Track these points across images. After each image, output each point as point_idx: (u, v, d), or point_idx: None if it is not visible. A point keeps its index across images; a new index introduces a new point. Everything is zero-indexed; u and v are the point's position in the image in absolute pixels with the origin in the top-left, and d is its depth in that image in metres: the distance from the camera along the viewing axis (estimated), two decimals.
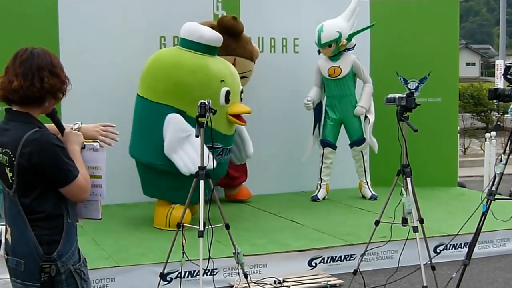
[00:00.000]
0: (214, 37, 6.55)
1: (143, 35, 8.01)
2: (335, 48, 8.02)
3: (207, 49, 6.51)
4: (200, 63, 6.47)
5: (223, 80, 6.44)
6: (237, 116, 6.56)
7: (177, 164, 6.29)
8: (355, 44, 8.17)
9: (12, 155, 2.60)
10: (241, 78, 7.87)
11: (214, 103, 6.10)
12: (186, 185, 6.17)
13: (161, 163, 6.43)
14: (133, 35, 7.93)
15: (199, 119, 4.93)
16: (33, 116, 2.66)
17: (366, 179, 8.41)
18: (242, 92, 6.76)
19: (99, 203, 2.85)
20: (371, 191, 8.34)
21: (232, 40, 7.65)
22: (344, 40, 7.97)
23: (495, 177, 5.01)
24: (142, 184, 6.91)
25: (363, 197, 8.39)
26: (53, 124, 2.80)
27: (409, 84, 9.13)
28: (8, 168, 2.62)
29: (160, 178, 6.59)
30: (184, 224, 4.96)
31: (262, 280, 5.57)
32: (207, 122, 4.92)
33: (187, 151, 6.27)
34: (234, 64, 7.72)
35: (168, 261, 5.05)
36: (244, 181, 8.29)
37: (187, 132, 6.27)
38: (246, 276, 5.14)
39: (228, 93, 6.42)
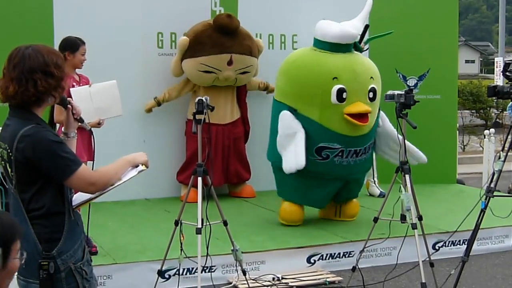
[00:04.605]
0: (337, 35, 6.33)
1: (140, 32, 7.99)
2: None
3: (333, 47, 6.36)
4: (314, 61, 6.39)
5: (335, 78, 6.23)
6: (356, 116, 6.21)
7: (283, 161, 6.32)
8: (367, 48, 8.08)
9: (9, 150, 2.62)
10: (242, 73, 7.88)
11: (326, 101, 6.22)
12: (312, 186, 6.46)
13: (278, 159, 6.49)
14: (130, 32, 7.90)
15: (196, 116, 4.91)
16: (33, 113, 2.67)
17: (374, 178, 8.41)
18: (372, 91, 6.33)
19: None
20: (379, 189, 8.34)
21: (228, 37, 7.65)
22: (363, 44, 7.83)
23: (493, 174, 5.01)
24: (276, 185, 6.93)
25: (371, 195, 8.37)
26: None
27: (408, 81, 9.11)
28: (8, 164, 2.64)
29: (288, 179, 6.52)
30: (182, 221, 4.94)
31: (261, 277, 5.56)
32: (204, 119, 4.88)
33: (291, 151, 6.26)
34: (230, 62, 7.71)
35: (166, 258, 5.04)
36: (248, 179, 8.29)
37: (292, 129, 6.28)
38: (244, 273, 5.14)
39: (340, 91, 6.19)
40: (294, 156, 6.20)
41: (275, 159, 6.62)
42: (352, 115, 6.20)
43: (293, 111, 6.38)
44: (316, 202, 6.75)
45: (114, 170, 2.74)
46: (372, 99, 6.34)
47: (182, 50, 7.75)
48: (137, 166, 2.82)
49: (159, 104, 8.01)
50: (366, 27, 6.64)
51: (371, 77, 6.43)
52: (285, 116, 6.39)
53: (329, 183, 6.51)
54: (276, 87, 6.80)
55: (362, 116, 6.23)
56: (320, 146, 6.31)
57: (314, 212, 7.26)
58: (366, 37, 7.20)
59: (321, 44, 6.44)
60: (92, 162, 3.18)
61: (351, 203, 6.96)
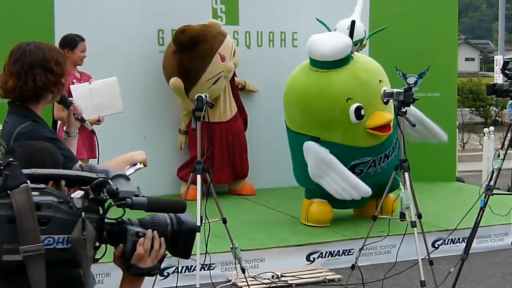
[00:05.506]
0: (336, 52, 6.13)
1: (140, 29, 7.98)
2: (358, 48, 7.84)
3: (334, 64, 6.19)
4: (323, 86, 6.23)
5: (349, 98, 6.14)
6: (379, 128, 6.22)
7: (327, 189, 6.30)
8: (365, 44, 8.08)
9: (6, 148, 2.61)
10: (233, 55, 7.85)
11: (347, 122, 6.16)
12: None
13: (316, 187, 6.46)
14: (130, 30, 7.89)
15: (196, 112, 4.91)
16: (31, 110, 2.68)
17: None
18: (383, 95, 6.03)
19: None
20: None
21: (201, 44, 7.54)
22: (365, 40, 7.82)
23: (493, 172, 5.01)
24: (305, 191, 6.88)
25: None
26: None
27: (408, 79, 9.11)
28: None
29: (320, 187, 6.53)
30: None
31: (260, 275, 5.56)
32: (204, 116, 4.88)
33: (334, 180, 6.24)
34: (222, 58, 7.67)
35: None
36: (246, 175, 8.29)
37: (325, 159, 6.24)
38: (243, 271, 5.13)
39: (358, 109, 6.14)
40: (349, 187, 6.18)
41: (312, 185, 6.56)
42: (375, 128, 6.20)
43: (316, 139, 6.34)
44: (356, 206, 6.74)
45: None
46: (387, 103, 6.26)
47: (181, 91, 7.65)
48: (135, 164, 2.82)
49: (186, 133, 8.00)
50: (353, 23, 6.56)
51: (380, 81, 6.35)
52: (312, 147, 6.32)
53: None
54: (289, 117, 6.67)
55: (385, 126, 6.23)
56: (353, 164, 6.30)
57: None
58: (363, 32, 7.17)
59: (321, 64, 6.24)
60: (96, 161, 3.19)
61: (389, 198, 6.86)
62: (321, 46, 6.18)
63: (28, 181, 1.44)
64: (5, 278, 1.51)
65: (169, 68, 7.71)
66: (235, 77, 8.24)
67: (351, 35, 6.54)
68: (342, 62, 6.22)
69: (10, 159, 1.46)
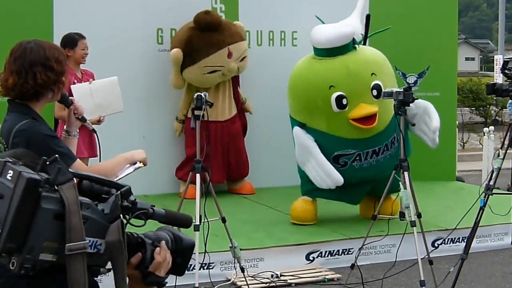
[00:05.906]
0: (330, 39, 6.18)
1: (140, 29, 7.98)
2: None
3: (330, 52, 6.21)
4: (309, 72, 6.33)
5: (332, 86, 6.12)
6: (361, 120, 6.14)
7: (309, 177, 6.33)
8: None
9: (5, 146, 2.62)
10: (241, 60, 7.88)
11: (329, 110, 6.16)
12: (340, 191, 6.33)
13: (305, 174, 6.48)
14: (129, 29, 7.89)
15: (195, 111, 4.91)
16: (31, 108, 2.69)
17: None
18: (375, 88, 6.15)
19: None
20: None
21: (217, 33, 7.61)
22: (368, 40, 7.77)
23: (493, 171, 5.01)
24: (301, 184, 6.88)
25: None
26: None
27: (407, 79, 9.11)
28: None
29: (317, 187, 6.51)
30: None
31: (259, 274, 5.55)
32: (203, 115, 4.88)
33: (313, 166, 6.27)
34: (230, 54, 7.69)
35: None
36: (246, 175, 8.28)
37: (305, 145, 6.29)
38: (243, 270, 5.13)
39: (339, 98, 6.10)
40: (324, 174, 6.17)
41: (302, 172, 6.61)
42: (357, 120, 6.14)
43: (303, 125, 6.38)
44: (349, 201, 6.72)
45: (111, 166, 2.76)
46: (377, 97, 6.14)
47: (178, 63, 7.65)
48: (135, 163, 2.82)
49: (183, 122, 8.00)
50: (368, 17, 6.57)
51: (372, 73, 6.27)
52: (297, 132, 6.40)
53: (356, 186, 6.42)
54: (288, 103, 6.76)
55: (368, 119, 6.15)
56: (336, 154, 6.27)
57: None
58: (360, 35, 7.14)
59: (318, 51, 6.33)
60: (98, 159, 3.20)
61: (389, 200, 6.60)
62: (318, 33, 6.28)
63: (74, 178, 1.42)
64: (27, 279, 1.45)
65: (179, 39, 7.77)
66: (239, 88, 8.25)
67: (366, 29, 6.57)
68: (338, 51, 6.22)
69: (56, 155, 1.43)
